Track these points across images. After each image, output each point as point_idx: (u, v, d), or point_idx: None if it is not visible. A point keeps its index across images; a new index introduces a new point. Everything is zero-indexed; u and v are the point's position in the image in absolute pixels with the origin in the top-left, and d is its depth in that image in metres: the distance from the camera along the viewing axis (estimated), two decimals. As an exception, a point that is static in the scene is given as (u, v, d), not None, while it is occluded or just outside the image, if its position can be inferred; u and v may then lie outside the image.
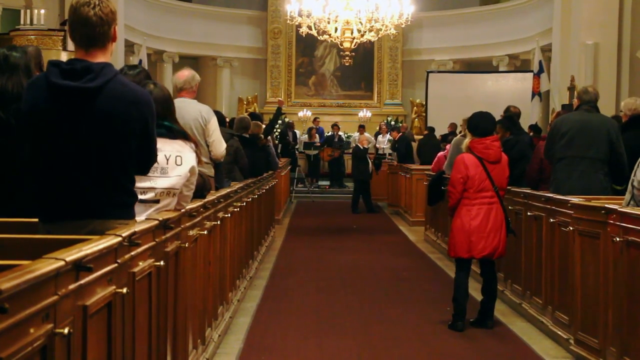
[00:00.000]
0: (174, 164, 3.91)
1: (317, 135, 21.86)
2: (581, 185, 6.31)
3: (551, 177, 6.66)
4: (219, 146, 6.34)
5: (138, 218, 3.41)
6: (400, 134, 17.97)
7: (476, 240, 6.35)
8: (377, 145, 21.16)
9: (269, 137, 11.93)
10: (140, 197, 3.67)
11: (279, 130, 21.83)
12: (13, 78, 3.85)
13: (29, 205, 3.31)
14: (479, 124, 6.51)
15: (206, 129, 6.20)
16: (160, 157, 3.86)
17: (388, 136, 21.08)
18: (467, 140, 6.57)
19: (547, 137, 6.97)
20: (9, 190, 3.69)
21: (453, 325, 6.35)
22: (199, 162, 4.22)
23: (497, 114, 9.35)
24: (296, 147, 20.69)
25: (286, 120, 23.03)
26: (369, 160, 16.74)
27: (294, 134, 21.05)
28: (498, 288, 7.40)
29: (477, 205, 6.38)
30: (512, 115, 8.26)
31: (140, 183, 3.71)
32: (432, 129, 16.99)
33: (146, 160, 3.34)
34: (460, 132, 12.51)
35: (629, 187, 5.15)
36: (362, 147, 16.62)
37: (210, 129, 6.24)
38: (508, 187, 7.14)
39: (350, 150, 21.18)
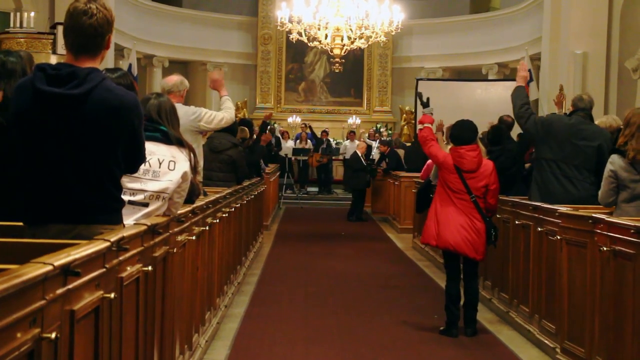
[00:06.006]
0: (167, 168, 3.91)
1: (307, 139, 21.80)
2: (567, 191, 6.32)
3: (532, 175, 6.64)
4: (229, 116, 6.62)
5: (126, 220, 3.39)
6: (388, 148, 17.48)
7: (442, 230, 6.38)
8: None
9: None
10: (129, 198, 3.67)
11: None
12: (11, 83, 3.79)
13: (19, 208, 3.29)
14: (457, 133, 6.58)
15: (203, 120, 6.41)
16: (154, 160, 3.87)
17: (376, 143, 20.92)
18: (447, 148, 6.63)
19: (535, 123, 6.73)
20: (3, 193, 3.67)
21: (447, 332, 6.38)
22: (196, 170, 4.24)
23: (486, 122, 9.38)
24: (279, 152, 20.57)
25: (275, 125, 22.99)
26: (366, 169, 16.64)
27: (277, 139, 20.95)
28: (485, 296, 7.42)
29: (451, 199, 6.41)
30: (497, 127, 8.21)
31: (131, 184, 3.70)
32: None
33: (134, 160, 3.31)
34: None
35: (609, 178, 5.26)
36: (360, 154, 16.40)
37: (207, 118, 6.44)
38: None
39: (340, 157, 21.16)
